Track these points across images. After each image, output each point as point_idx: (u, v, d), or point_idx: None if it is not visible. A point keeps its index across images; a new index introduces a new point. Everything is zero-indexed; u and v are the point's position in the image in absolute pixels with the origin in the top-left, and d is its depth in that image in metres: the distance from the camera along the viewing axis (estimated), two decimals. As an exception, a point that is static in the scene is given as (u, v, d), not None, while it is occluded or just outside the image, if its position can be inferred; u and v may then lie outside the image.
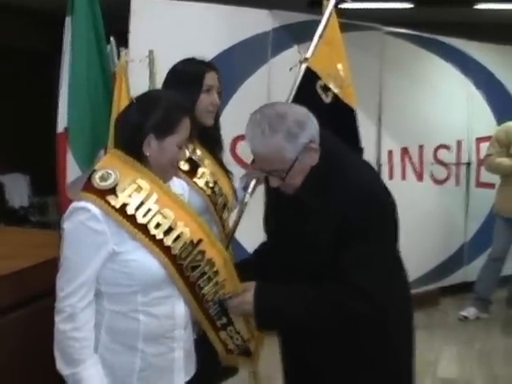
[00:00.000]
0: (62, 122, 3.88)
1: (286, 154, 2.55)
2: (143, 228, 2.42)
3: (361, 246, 2.54)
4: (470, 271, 7.27)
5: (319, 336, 2.74)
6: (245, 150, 5.30)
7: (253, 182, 3.57)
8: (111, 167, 2.47)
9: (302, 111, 2.63)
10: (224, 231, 3.40)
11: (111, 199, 2.40)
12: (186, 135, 2.56)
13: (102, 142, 3.77)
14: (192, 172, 3.19)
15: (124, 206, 2.40)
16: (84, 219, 2.36)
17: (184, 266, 2.51)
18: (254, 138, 2.57)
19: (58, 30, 8.85)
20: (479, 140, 7.40)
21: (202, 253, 2.56)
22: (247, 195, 3.57)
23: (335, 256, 2.56)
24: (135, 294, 2.43)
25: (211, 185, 3.27)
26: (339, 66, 3.96)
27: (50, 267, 3.15)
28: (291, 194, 2.67)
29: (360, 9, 7.06)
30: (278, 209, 2.84)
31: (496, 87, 7.56)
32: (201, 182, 3.22)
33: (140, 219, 2.42)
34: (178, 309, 2.54)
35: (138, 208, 2.43)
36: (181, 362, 2.59)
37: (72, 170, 3.77)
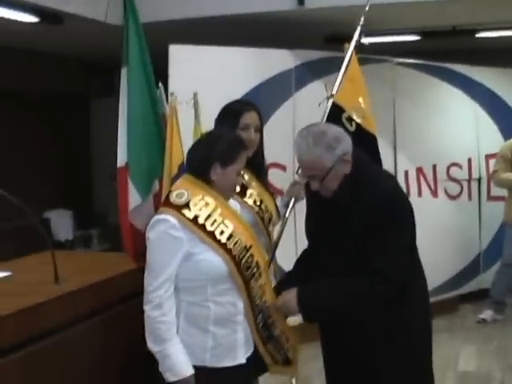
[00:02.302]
0: (121, 158, 4.34)
1: (325, 162, 3.18)
2: (211, 234, 3.05)
3: (384, 235, 3.12)
4: (486, 279, 7.69)
5: (350, 318, 3.30)
6: (274, 176, 5.85)
7: (292, 200, 4.10)
8: (184, 188, 3.12)
9: (339, 130, 3.30)
10: (270, 242, 3.97)
11: (186, 212, 3.03)
12: (243, 165, 3.22)
13: (156, 173, 4.26)
14: (242, 193, 3.77)
15: (196, 217, 3.04)
16: (165, 228, 2.99)
17: (241, 265, 3.12)
18: (300, 149, 3.24)
19: (94, 75, 9.55)
20: (488, 157, 7.87)
21: (252, 256, 3.18)
22: (288, 211, 4.11)
23: (365, 247, 3.14)
24: (205, 287, 3.05)
25: (258, 203, 3.86)
26: (360, 100, 4.52)
27: (123, 279, 3.79)
28: (329, 198, 3.27)
29: (372, 43, 7.55)
30: (318, 212, 3.45)
31: (501, 107, 8.07)
32: (250, 201, 3.81)
33: (208, 227, 3.05)
34: (238, 299, 3.14)
35: (206, 219, 3.06)
36: (242, 341, 3.18)
37: (134, 199, 4.20)
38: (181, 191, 3.11)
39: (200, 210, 3.07)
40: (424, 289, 3.50)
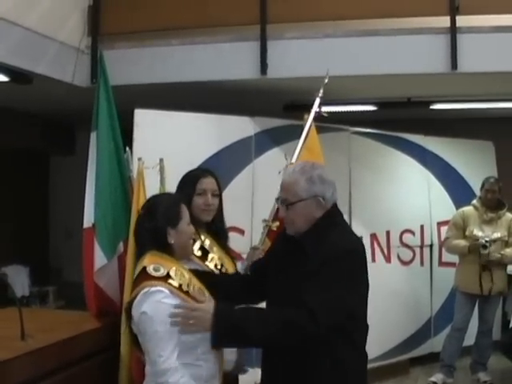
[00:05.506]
0: (88, 219, 4.43)
1: (300, 191, 3.34)
2: (194, 299, 3.23)
3: (325, 281, 3.16)
4: (437, 342, 7.81)
5: (286, 355, 3.30)
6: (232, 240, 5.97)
7: None
8: (156, 262, 3.27)
9: (330, 177, 3.44)
10: None
11: (171, 282, 3.20)
12: (188, 214, 3.44)
13: (121, 235, 4.37)
14: (204, 257, 3.95)
15: (180, 285, 3.22)
16: (161, 298, 3.13)
17: None
18: (287, 171, 3.50)
19: (56, 133, 9.54)
20: (440, 224, 8.10)
21: None
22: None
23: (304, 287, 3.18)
24: (196, 347, 3.20)
25: (219, 267, 4.00)
26: None
27: (87, 337, 3.88)
28: (295, 241, 3.38)
29: (329, 112, 7.74)
30: (280, 250, 3.56)
31: (453, 176, 8.32)
32: (211, 265, 3.96)
33: (191, 293, 3.24)
34: (218, 355, 3.34)
35: (188, 286, 3.25)
36: None
37: (99, 259, 4.29)
38: (156, 265, 3.26)
39: (180, 279, 3.25)
40: (363, 362, 3.49)
